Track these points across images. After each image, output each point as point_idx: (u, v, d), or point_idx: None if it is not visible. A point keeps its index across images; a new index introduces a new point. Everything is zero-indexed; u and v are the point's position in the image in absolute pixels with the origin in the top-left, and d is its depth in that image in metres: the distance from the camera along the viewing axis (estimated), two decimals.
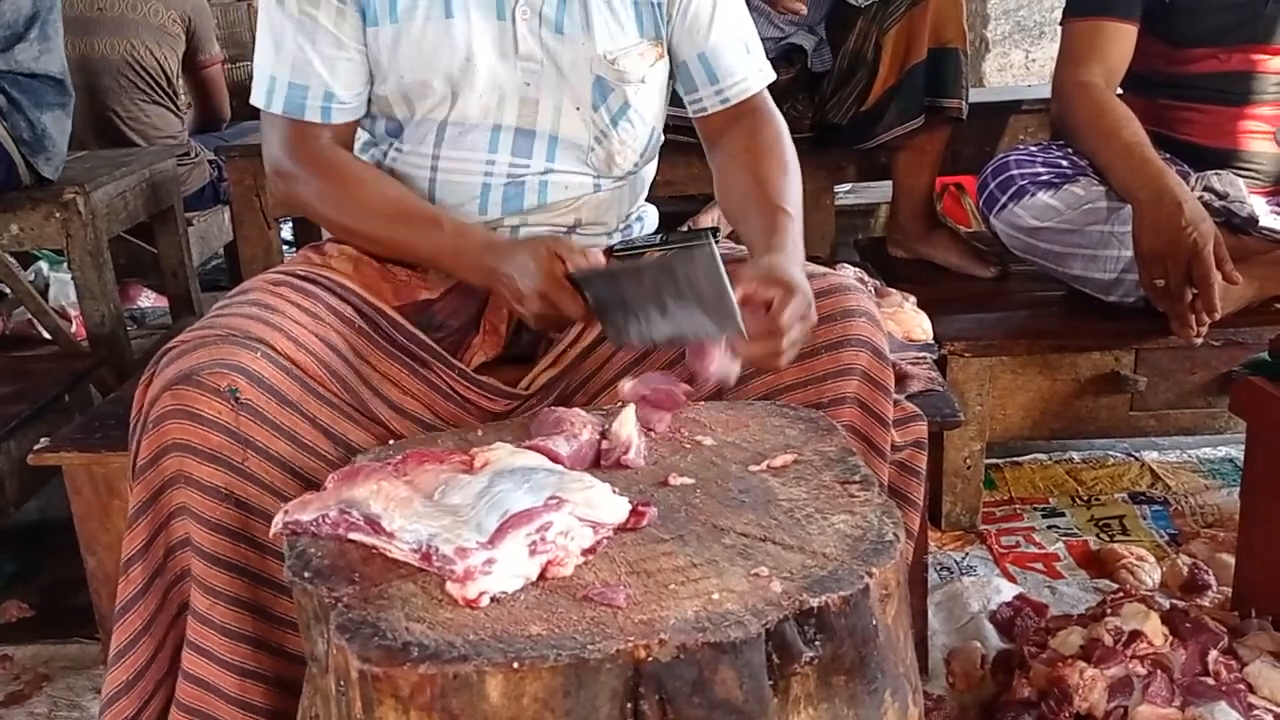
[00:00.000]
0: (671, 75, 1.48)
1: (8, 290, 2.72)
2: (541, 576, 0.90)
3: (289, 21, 1.34)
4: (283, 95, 1.36)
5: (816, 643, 0.86)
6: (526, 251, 1.26)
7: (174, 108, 3.46)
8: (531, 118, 1.39)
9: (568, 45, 1.36)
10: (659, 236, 1.51)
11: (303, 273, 1.35)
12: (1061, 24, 2.19)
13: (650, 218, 1.59)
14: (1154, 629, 1.56)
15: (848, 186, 3.64)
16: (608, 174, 1.44)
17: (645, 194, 1.58)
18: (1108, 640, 1.53)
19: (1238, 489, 1.96)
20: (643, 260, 1.33)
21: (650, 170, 1.56)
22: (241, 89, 3.76)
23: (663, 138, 1.53)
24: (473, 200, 1.41)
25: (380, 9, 1.34)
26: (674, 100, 1.58)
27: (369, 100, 1.41)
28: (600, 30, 1.37)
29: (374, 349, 1.31)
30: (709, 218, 3.05)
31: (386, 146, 1.44)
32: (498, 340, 1.44)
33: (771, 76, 1.49)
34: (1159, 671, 1.48)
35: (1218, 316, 1.92)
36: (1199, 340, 1.96)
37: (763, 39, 2.49)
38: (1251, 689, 1.49)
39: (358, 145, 1.48)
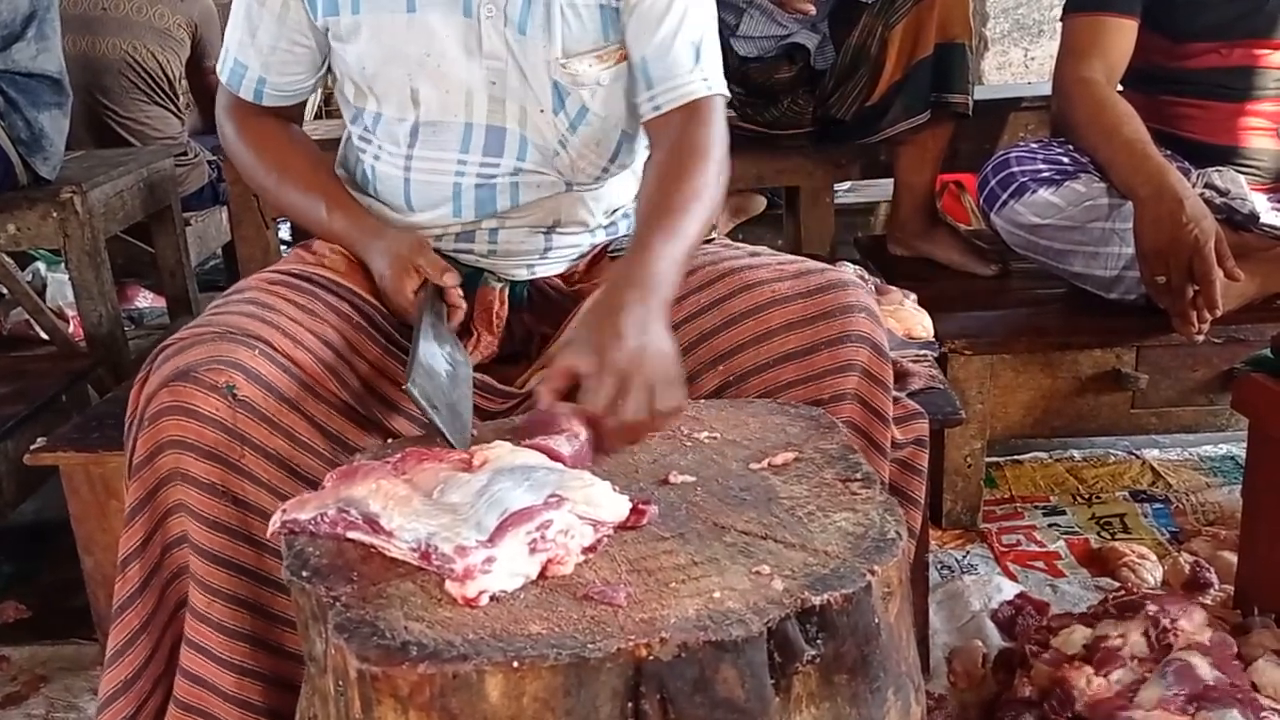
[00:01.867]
0: None
1: (5, 290, 2.71)
2: (541, 575, 0.89)
3: (243, 3, 1.41)
4: (229, 68, 1.45)
5: (818, 641, 0.85)
6: (384, 258, 1.35)
7: (174, 109, 3.46)
8: (500, 115, 1.37)
9: (529, 47, 1.34)
10: None
11: (298, 271, 1.35)
12: (1062, 20, 2.18)
13: None
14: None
15: (848, 184, 3.64)
16: (573, 179, 1.42)
17: (634, 190, 1.52)
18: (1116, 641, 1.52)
19: (1239, 486, 1.95)
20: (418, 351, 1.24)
21: (637, 166, 1.51)
22: None
23: (645, 141, 1.47)
24: (446, 203, 1.40)
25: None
26: None
27: (351, 95, 1.42)
28: (559, 33, 1.34)
29: (371, 346, 1.30)
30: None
31: (369, 147, 1.44)
32: (491, 343, 1.44)
33: (722, 88, 1.38)
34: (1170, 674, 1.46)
35: (1219, 313, 1.91)
36: (1200, 337, 1.95)
37: (765, 37, 2.50)
38: (1255, 687, 1.48)
39: (352, 143, 1.48)
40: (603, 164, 1.44)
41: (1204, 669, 1.45)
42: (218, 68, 1.47)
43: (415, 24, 1.32)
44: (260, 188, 1.51)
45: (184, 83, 3.50)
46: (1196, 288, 1.90)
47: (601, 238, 1.50)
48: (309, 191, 1.43)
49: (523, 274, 1.46)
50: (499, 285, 1.44)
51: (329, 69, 1.45)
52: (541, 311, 1.47)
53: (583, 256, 1.49)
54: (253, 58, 1.42)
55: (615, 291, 1.13)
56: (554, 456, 1.04)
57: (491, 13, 1.32)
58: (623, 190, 1.52)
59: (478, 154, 1.38)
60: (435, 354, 1.22)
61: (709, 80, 1.36)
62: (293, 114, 1.52)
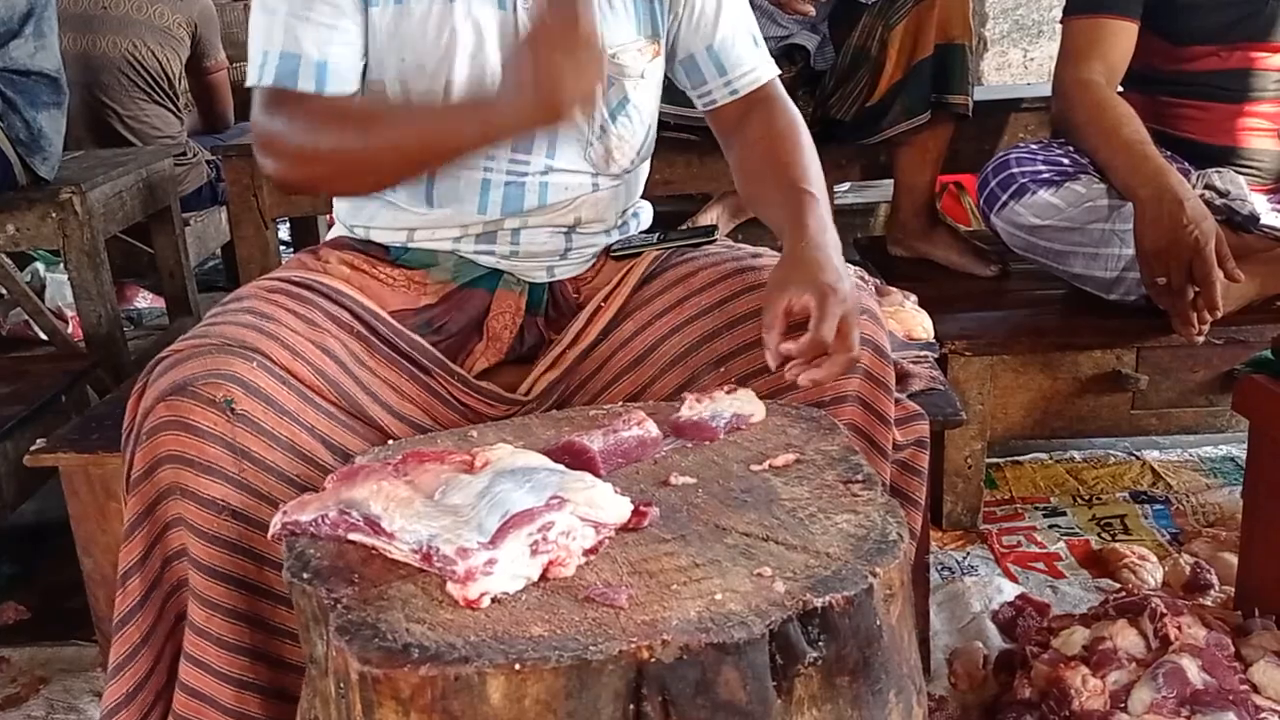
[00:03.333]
0: (667, 75, 1.48)
1: (4, 291, 2.71)
2: (543, 577, 0.89)
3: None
4: (274, 67, 1.29)
5: (820, 643, 0.85)
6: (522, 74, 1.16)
7: (173, 108, 3.46)
8: None
9: None
10: (656, 235, 1.50)
11: (298, 279, 1.33)
12: (1062, 22, 2.18)
13: (645, 214, 1.57)
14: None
15: (847, 185, 3.64)
16: (605, 170, 1.43)
17: (641, 191, 1.56)
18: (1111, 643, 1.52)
19: (1239, 488, 1.95)
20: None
21: (645, 168, 1.55)
22: (237, 90, 3.76)
23: (655, 138, 1.51)
24: (472, 199, 1.39)
25: None
26: (676, 98, 1.57)
27: (379, 87, 1.38)
28: (600, 25, 1.35)
29: (372, 355, 1.29)
30: (709, 216, 3.05)
31: None
32: (500, 347, 1.43)
33: (777, 70, 1.49)
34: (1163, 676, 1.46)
35: (1219, 315, 1.91)
36: (1200, 339, 1.95)
37: (766, 38, 2.49)
38: (1255, 689, 1.48)
39: None
40: (633, 155, 1.45)
41: (1194, 672, 1.45)
42: (252, 77, 1.31)
43: (452, 14, 1.31)
44: (349, 159, 1.27)
45: (183, 82, 3.50)
46: (1197, 289, 1.90)
47: (615, 237, 1.51)
48: (403, 117, 1.29)
49: (542, 276, 1.45)
50: (519, 289, 1.44)
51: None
52: (553, 318, 1.46)
53: (596, 257, 1.49)
54: (308, 41, 1.28)
55: (813, 246, 1.23)
56: (584, 452, 1.05)
57: (528, 4, 1.32)
58: (634, 189, 1.53)
59: (506, 150, 1.37)
60: None
61: (770, 64, 1.49)
62: None
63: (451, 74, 1.34)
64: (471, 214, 1.39)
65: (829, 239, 1.25)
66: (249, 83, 1.33)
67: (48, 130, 2.39)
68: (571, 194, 1.41)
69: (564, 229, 1.43)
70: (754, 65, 1.46)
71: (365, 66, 1.36)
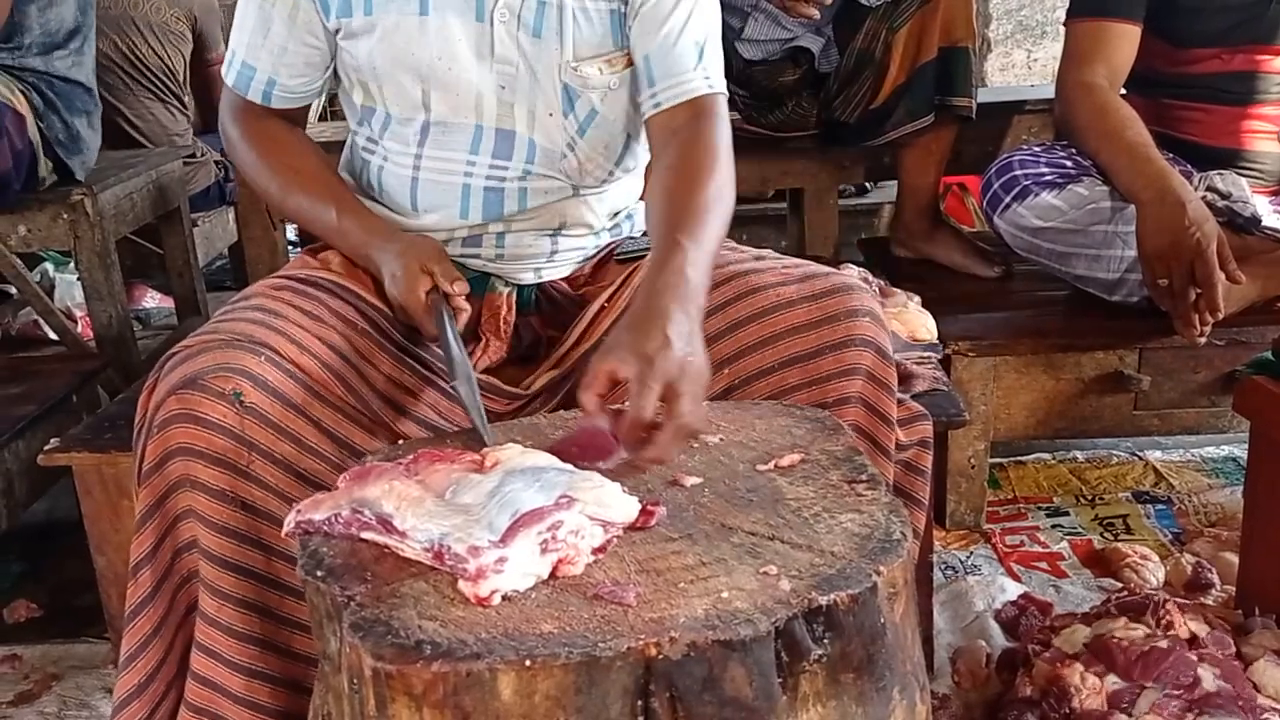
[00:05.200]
0: None
1: (15, 291, 2.73)
2: (552, 575, 0.91)
3: (252, 4, 1.40)
4: (235, 71, 1.44)
5: (825, 641, 0.86)
6: (399, 260, 1.33)
7: (179, 106, 3.46)
8: (510, 118, 1.38)
9: (542, 51, 1.35)
10: None
11: (304, 275, 1.35)
12: (1065, 25, 2.19)
13: (640, 215, 1.57)
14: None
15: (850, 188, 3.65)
16: (581, 182, 1.43)
17: (637, 192, 1.55)
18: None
19: (1241, 488, 1.96)
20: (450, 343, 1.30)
21: (640, 169, 1.54)
22: None
23: (644, 147, 1.49)
24: (454, 204, 1.41)
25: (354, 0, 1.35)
26: None
27: (358, 97, 1.42)
28: (569, 37, 1.36)
29: (377, 351, 1.31)
30: None
31: (377, 148, 1.44)
32: (500, 347, 1.45)
33: (723, 87, 1.39)
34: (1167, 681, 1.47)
35: (1221, 316, 1.92)
36: (1202, 340, 1.96)
37: (770, 40, 2.51)
38: (1256, 688, 1.49)
39: (357, 146, 1.48)
40: (609, 167, 1.45)
41: (1209, 679, 1.46)
42: (223, 71, 1.47)
43: (428, 27, 1.33)
44: (265, 191, 1.48)
45: (186, 79, 3.50)
46: (1199, 291, 1.91)
47: (606, 240, 1.52)
48: (318, 195, 1.42)
49: (530, 277, 1.47)
50: (506, 290, 1.45)
51: (335, 72, 1.45)
52: (549, 315, 1.48)
53: (588, 259, 1.50)
54: (263, 59, 1.41)
55: (656, 298, 1.11)
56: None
57: (505, 17, 1.33)
58: (626, 193, 1.53)
59: (487, 156, 1.39)
60: (464, 356, 1.27)
61: (710, 79, 1.37)
62: (298, 117, 1.52)
63: (425, 85, 1.36)
64: (455, 218, 1.41)
65: (679, 294, 1.11)
66: (223, 71, 1.48)
67: (83, 134, 2.44)
68: (552, 198, 1.42)
69: (549, 232, 1.45)
70: (686, 78, 1.35)
71: (335, 78, 1.45)
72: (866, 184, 3.70)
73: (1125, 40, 2.11)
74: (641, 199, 1.59)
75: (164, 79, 3.39)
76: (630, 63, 1.39)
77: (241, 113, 1.46)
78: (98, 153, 2.55)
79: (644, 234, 1.56)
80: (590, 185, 1.44)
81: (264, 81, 1.43)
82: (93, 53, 2.49)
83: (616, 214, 1.52)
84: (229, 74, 1.45)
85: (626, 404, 1.04)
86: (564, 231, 1.46)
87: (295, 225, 1.49)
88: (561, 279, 1.49)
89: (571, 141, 1.40)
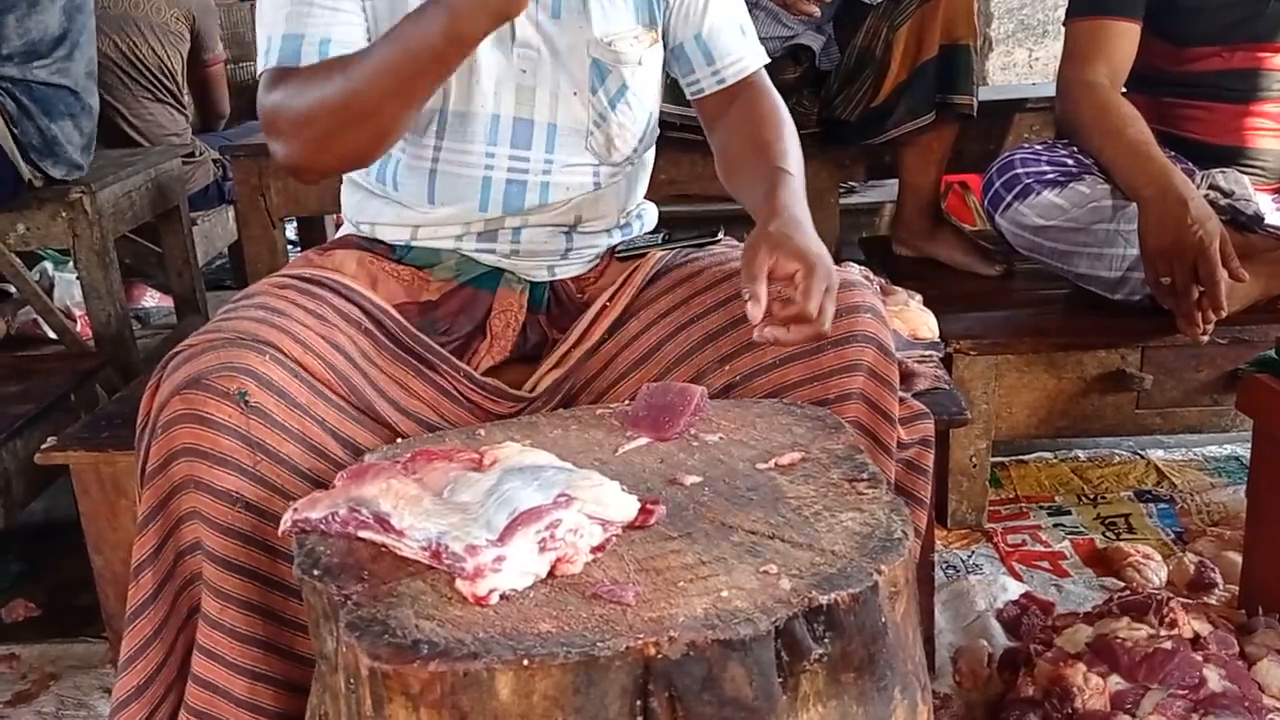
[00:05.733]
0: (665, 62, 1.48)
1: (14, 290, 2.73)
2: (551, 574, 0.90)
3: None
4: (278, 50, 1.29)
5: (826, 640, 0.86)
6: None
7: (178, 105, 3.46)
8: (529, 106, 1.38)
9: (565, 30, 1.36)
10: (661, 236, 1.51)
11: (308, 275, 1.34)
12: (1065, 24, 2.19)
13: (649, 215, 1.58)
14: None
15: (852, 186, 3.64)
16: (607, 159, 1.43)
17: (644, 189, 1.57)
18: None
19: (1244, 487, 1.96)
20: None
21: (648, 164, 1.56)
22: (244, 89, 3.77)
23: (658, 129, 1.52)
24: (473, 196, 1.40)
25: None
26: (680, 98, 1.58)
27: None
28: (596, 15, 1.37)
29: (380, 351, 1.30)
30: None
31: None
32: (504, 345, 1.44)
33: (766, 59, 1.50)
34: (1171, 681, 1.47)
35: (1224, 314, 1.92)
36: (1205, 338, 1.95)
37: (770, 38, 2.50)
38: (1261, 688, 1.49)
39: None
40: (635, 143, 1.45)
41: (1215, 680, 1.45)
42: (260, 63, 1.31)
43: None
44: (341, 106, 1.21)
45: (184, 78, 3.51)
46: (1202, 289, 1.90)
47: (617, 238, 1.51)
48: (379, 42, 1.22)
49: (543, 275, 1.46)
50: (519, 287, 1.45)
51: None
52: (554, 315, 1.47)
53: (600, 258, 1.50)
54: (311, 24, 1.28)
55: (791, 221, 1.22)
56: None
57: None
58: (637, 189, 1.54)
59: (506, 146, 1.38)
60: None
61: (758, 53, 1.50)
62: None
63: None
64: (473, 211, 1.40)
65: (805, 216, 1.25)
66: (258, 72, 1.33)
67: (62, 139, 2.41)
68: (573, 193, 1.42)
69: (565, 228, 1.44)
70: (741, 55, 1.47)
71: None
72: (853, 184, 3.69)
73: (1125, 38, 2.10)
74: (647, 198, 1.59)
75: (163, 79, 3.40)
76: (655, 40, 1.44)
77: (285, 81, 1.27)
78: (92, 151, 2.53)
79: (647, 233, 1.56)
80: (615, 164, 1.45)
81: (317, 41, 1.27)
82: (87, 56, 2.46)
83: (628, 212, 1.52)
84: (269, 58, 1.29)
85: (785, 294, 1.15)
86: (579, 228, 1.45)
87: (386, 104, 1.22)
88: (572, 280, 1.48)
89: (600, 118, 1.40)
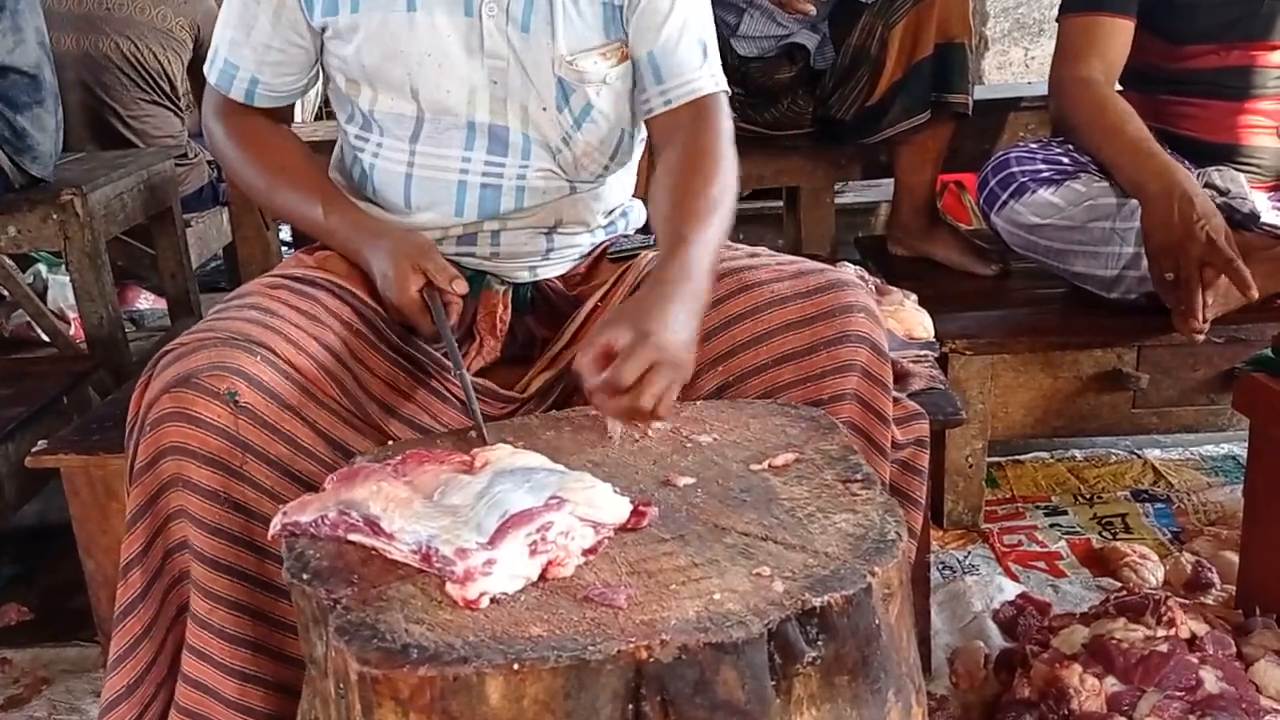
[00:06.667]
0: None
1: (6, 293, 2.72)
2: (542, 577, 0.90)
3: (237, 1, 1.39)
4: (218, 69, 1.43)
5: (819, 642, 0.85)
6: (389, 259, 1.32)
7: (175, 109, 3.46)
8: (502, 114, 1.37)
9: (531, 45, 1.34)
10: (652, 237, 1.50)
11: (300, 274, 1.34)
12: (1058, 20, 2.18)
13: (636, 212, 1.57)
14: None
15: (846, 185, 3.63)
16: (576, 177, 1.43)
17: (630, 187, 1.55)
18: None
19: (1240, 486, 1.95)
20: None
21: (631, 168, 1.54)
22: None
23: (642, 141, 1.51)
24: (448, 201, 1.40)
25: None
26: None
27: (348, 91, 1.41)
28: (563, 30, 1.35)
29: (372, 352, 1.30)
30: None
31: (368, 145, 1.43)
32: (494, 347, 1.44)
33: (724, 85, 1.41)
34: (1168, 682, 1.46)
35: (1255, 295, 1.90)
36: (1201, 337, 1.95)
37: (766, 37, 2.50)
38: (1258, 689, 1.48)
39: (348, 143, 1.47)
40: (605, 161, 1.44)
41: (1211, 681, 1.45)
42: (205, 69, 1.45)
43: (415, 23, 1.32)
44: (251, 188, 1.46)
45: (185, 83, 3.51)
46: (1205, 285, 1.89)
47: (601, 237, 1.51)
48: (305, 192, 1.40)
49: (525, 276, 1.46)
50: (502, 289, 1.44)
51: (320, 71, 1.44)
52: (543, 315, 1.47)
53: (584, 257, 1.49)
54: (246, 58, 1.40)
55: (662, 288, 1.15)
56: None
57: (494, 11, 1.32)
58: (621, 189, 1.53)
59: (481, 152, 1.38)
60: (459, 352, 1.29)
61: (716, 77, 1.40)
62: (283, 115, 1.50)
63: (414, 81, 1.35)
64: (449, 216, 1.40)
65: (683, 289, 1.15)
66: (205, 68, 1.46)
67: (31, 130, 2.36)
68: (549, 197, 1.41)
69: (544, 230, 1.44)
70: (693, 77, 1.37)
71: (330, 76, 1.43)
72: (839, 184, 3.67)
73: (1119, 35, 2.10)
74: (636, 195, 1.59)
75: (161, 84, 3.40)
76: (625, 56, 1.38)
77: (224, 111, 1.45)
78: (59, 146, 2.47)
79: (638, 232, 1.55)
80: (586, 180, 1.43)
81: (246, 80, 1.41)
82: (31, 30, 2.36)
83: (611, 211, 1.51)
84: (211, 71, 1.43)
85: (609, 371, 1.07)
86: (559, 230, 1.45)
87: (284, 222, 1.47)
88: (557, 278, 1.48)
89: (567, 136, 1.39)
